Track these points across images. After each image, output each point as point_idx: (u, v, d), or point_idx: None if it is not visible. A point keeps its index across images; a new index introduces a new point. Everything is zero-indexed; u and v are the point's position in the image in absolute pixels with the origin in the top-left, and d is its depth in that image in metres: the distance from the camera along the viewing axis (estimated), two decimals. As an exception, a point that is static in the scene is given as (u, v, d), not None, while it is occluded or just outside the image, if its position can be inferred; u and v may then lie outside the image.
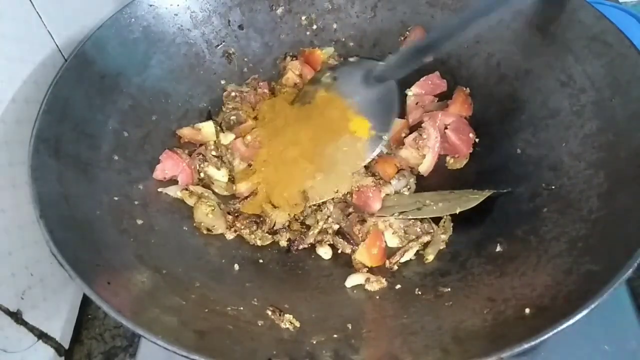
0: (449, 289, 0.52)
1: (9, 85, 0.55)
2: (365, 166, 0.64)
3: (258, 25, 0.76)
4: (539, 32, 0.62)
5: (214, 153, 0.68)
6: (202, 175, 0.67)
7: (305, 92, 0.72)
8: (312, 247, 0.61)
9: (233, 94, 0.73)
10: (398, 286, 0.55)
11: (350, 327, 0.49)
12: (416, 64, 0.63)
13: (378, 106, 0.66)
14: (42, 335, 0.58)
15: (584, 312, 0.38)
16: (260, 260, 0.60)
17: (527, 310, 0.43)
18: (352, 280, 0.56)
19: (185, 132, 0.69)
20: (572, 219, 0.51)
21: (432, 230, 0.60)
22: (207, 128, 0.69)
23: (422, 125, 0.66)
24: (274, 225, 0.62)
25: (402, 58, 0.65)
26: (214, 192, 0.66)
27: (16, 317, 0.54)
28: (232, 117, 0.71)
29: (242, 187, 0.65)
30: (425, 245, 0.59)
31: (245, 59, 0.77)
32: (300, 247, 0.61)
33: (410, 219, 0.60)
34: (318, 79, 0.72)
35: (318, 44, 0.78)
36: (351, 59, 0.74)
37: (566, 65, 0.60)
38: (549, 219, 0.53)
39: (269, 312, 0.50)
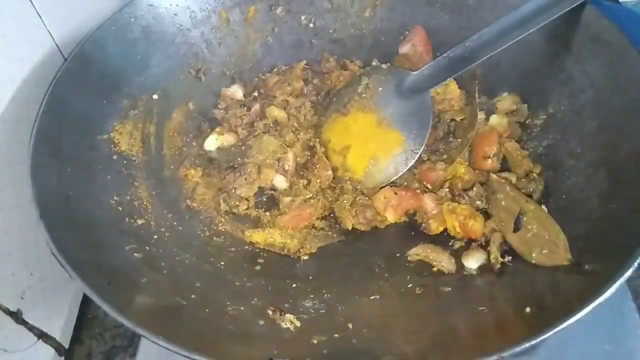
0: (449, 289, 0.52)
1: (9, 85, 0.55)
2: None
3: (258, 25, 0.76)
4: (538, 31, 0.62)
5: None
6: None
7: (340, 95, 0.72)
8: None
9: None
10: (399, 286, 0.55)
11: (351, 327, 0.49)
12: (450, 75, 0.63)
13: (412, 120, 0.65)
14: (42, 335, 0.58)
15: (584, 312, 0.38)
16: (260, 260, 0.60)
17: (528, 310, 0.44)
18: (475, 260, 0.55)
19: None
20: (572, 218, 0.52)
21: None
22: None
23: None
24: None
25: (436, 69, 0.64)
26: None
27: (16, 316, 0.54)
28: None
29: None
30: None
31: (245, 59, 0.77)
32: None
33: None
34: (352, 85, 0.71)
35: (318, 43, 0.78)
36: (383, 66, 0.73)
37: (566, 64, 0.60)
38: (549, 219, 0.53)
39: (270, 312, 0.50)
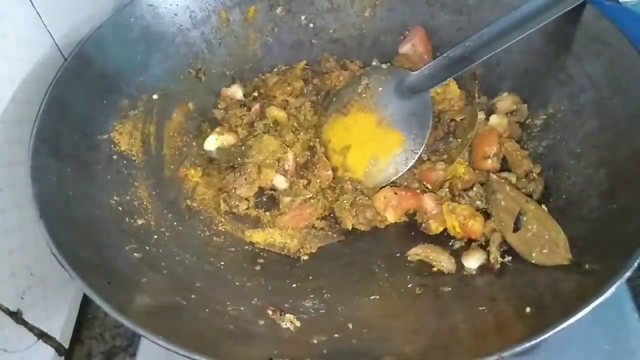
0: (449, 289, 0.52)
1: (9, 85, 0.55)
2: None
3: (258, 25, 0.76)
4: (538, 31, 0.62)
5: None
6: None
7: (340, 95, 0.72)
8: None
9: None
10: (399, 286, 0.55)
11: (351, 327, 0.49)
12: (450, 75, 0.63)
13: (412, 120, 0.65)
14: (42, 335, 0.58)
15: (584, 312, 0.38)
16: (260, 260, 0.60)
17: (528, 310, 0.44)
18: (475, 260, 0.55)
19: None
20: (572, 218, 0.52)
21: None
22: None
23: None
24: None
25: (436, 69, 0.65)
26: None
27: (16, 316, 0.54)
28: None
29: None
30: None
31: (245, 59, 0.77)
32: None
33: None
34: (352, 85, 0.71)
35: (318, 43, 0.78)
36: (383, 66, 0.73)
37: (566, 64, 0.60)
38: (549, 219, 0.53)
39: (270, 312, 0.50)
